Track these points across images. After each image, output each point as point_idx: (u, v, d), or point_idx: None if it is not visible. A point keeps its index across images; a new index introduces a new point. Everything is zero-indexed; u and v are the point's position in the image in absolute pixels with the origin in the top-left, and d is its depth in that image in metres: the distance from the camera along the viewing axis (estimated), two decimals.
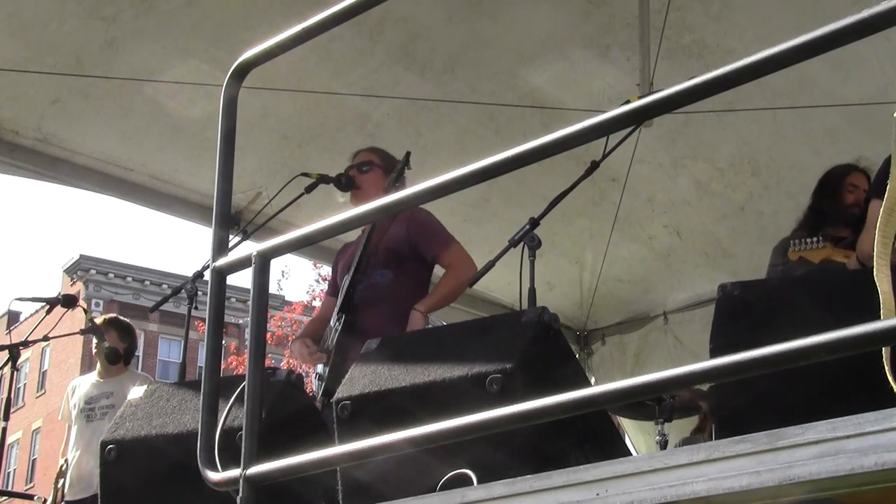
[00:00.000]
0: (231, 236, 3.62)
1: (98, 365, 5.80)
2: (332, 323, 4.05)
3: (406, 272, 4.04)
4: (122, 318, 6.07)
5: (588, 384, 3.19)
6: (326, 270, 23.44)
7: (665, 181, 5.88)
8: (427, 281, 4.15)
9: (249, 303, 2.07)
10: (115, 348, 5.64)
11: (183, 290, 4.18)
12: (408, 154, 4.09)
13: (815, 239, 3.45)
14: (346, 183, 4.17)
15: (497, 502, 1.74)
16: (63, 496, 5.50)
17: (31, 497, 6.23)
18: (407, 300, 3.98)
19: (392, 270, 4.03)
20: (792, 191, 5.67)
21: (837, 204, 4.09)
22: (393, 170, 4.19)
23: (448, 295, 4.04)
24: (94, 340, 5.69)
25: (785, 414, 2.31)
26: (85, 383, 5.82)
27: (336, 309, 4.03)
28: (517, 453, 2.27)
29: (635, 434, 6.68)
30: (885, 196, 1.78)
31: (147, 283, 32.36)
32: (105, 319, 5.91)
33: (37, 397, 33.70)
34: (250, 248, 2.12)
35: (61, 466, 5.57)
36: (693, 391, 4.94)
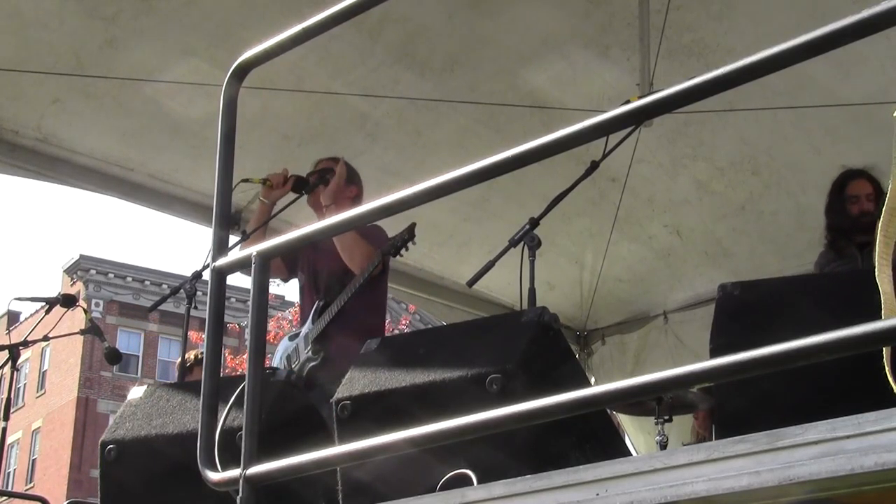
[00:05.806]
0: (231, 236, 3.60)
1: None
2: (302, 347, 4.05)
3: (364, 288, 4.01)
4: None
5: (588, 384, 3.19)
6: None
7: (665, 181, 5.87)
8: (384, 295, 4.19)
9: (249, 303, 2.07)
10: (115, 348, 5.63)
11: (182, 290, 4.18)
12: (413, 225, 3.91)
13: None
14: (299, 185, 4.21)
15: (497, 502, 1.74)
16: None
17: (31, 497, 6.19)
18: (368, 317, 4.02)
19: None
20: (792, 190, 5.67)
21: (847, 219, 4.17)
22: (354, 180, 4.20)
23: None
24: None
25: (785, 414, 2.31)
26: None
27: (312, 336, 4.04)
28: (517, 453, 2.27)
29: (635, 434, 6.68)
30: (888, 196, 1.78)
31: (147, 283, 32.37)
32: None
33: (37, 397, 33.70)
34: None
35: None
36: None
